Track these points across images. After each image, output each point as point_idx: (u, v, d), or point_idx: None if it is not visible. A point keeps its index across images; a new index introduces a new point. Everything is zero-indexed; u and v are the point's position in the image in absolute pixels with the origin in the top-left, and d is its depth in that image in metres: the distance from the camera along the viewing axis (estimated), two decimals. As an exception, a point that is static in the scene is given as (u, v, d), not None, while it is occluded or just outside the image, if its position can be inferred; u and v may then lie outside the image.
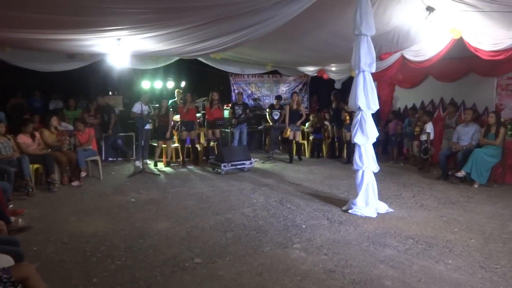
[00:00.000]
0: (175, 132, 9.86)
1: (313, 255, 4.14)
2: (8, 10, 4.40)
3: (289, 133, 9.81)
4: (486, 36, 6.18)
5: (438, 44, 7.09)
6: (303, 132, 10.73)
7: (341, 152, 10.39)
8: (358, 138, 5.57)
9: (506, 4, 5.01)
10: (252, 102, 13.24)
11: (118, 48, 6.88)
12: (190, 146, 9.65)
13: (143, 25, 5.56)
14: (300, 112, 9.98)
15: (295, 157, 10.00)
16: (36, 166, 6.93)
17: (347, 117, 9.47)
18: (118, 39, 6.36)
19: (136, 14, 4.85)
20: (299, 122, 9.87)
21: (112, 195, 6.68)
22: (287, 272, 3.76)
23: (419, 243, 4.45)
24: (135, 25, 5.56)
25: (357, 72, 5.51)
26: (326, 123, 10.79)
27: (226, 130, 10.41)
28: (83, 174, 7.38)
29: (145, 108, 9.17)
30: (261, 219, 5.33)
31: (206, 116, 9.81)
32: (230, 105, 11.37)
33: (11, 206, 5.73)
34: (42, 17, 4.70)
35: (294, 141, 9.97)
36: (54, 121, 7.57)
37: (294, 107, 9.84)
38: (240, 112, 10.48)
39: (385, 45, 7.86)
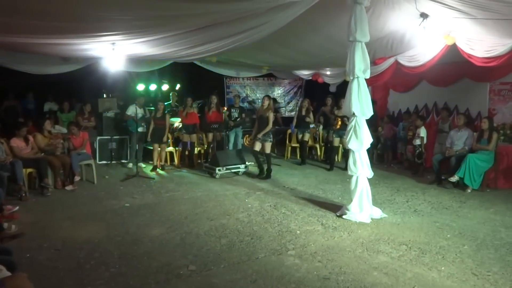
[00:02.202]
0: (170, 136, 9.85)
1: (308, 262, 4.16)
2: (3, 16, 4.38)
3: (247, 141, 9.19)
4: (479, 43, 6.24)
5: (432, 50, 7.14)
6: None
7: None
8: (352, 144, 5.60)
9: (498, 12, 5.06)
10: (247, 105, 13.25)
11: (112, 52, 6.87)
12: (188, 149, 9.66)
13: (138, 30, 5.56)
14: (266, 119, 8.20)
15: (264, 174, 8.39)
16: (29, 170, 6.87)
17: (339, 122, 9.11)
18: (113, 43, 6.35)
19: (131, 20, 4.85)
20: (260, 134, 8.22)
21: (106, 199, 6.65)
22: (281, 279, 3.76)
23: (412, 250, 4.48)
24: (129, 31, 5.56)
25: (351, 78, 5.54)
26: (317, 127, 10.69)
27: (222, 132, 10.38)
28: (77, 178, 7.34)
29: (140, 111, 9.17)
30: (256, 225, 5.34)
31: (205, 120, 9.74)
32: (225, 108, 11.36)
33: (16, 208, 5.74)
34: (38, 23, 4.69)
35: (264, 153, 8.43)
36: (48, 124, 7.53)
37: (260, 113, 8.42)
38: (236, 116, 10.44)
39: (380, 50, 7.91)
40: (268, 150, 8.32)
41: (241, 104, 11.66)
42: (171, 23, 5.24)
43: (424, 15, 6.08)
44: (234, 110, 10.46)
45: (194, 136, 9.59)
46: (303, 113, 9.88)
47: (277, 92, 13.87)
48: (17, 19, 4.49)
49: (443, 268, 4.01)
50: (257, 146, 8.35)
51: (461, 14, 5.50)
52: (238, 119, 10.32)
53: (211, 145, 9.71)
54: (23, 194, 6.43)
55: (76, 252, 4.37)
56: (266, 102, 8.41)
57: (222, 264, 4.11)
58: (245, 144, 9.68)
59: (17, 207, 5.77)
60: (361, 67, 5.45)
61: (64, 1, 4.01)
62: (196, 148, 9.94)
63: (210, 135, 9.67)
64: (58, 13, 4.32)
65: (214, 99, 9.66)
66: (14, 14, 4.27)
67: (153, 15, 4.67)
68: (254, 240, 4.77)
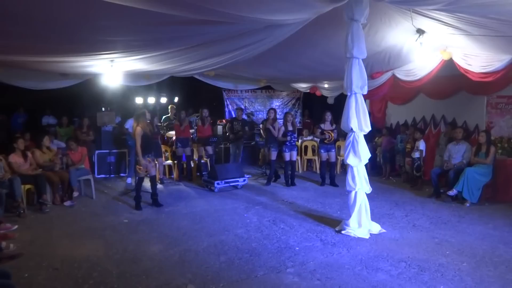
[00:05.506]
0: (168, 149, 9.87)
1: (307, 280, 4.14)
2: (8, 40, 4.43)
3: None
4: (476, 58, 6.30)
5: (428, 65, 7.20)
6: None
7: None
8: (350, 160, 5.61)
9: (493, 29, 5.11)
10: (246, 117, 13.27)
11: (111, 69, 6.92)
12: (185, 162, 9.66)
13: (136, 49, 5.61)
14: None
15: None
16: (27, 186, 6.87)
17: (332, 135, 8.78)
18: (111, 60, 6.40)
19: (129, 41, 4.90)
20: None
21: (104, 215, 6.63)
22: (280, 299, 3.75)
23: (411, 267, 4.46)
24: (128, 50, 5.61)
25: (349, 94, 5.57)
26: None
27: (220, 146, 10.38)
28: (75, 194, 7.33)
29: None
30: (255, 241, 5.33)
31: (198, 133, 9.77)
32: (224, 120, 11.36)
33: (15, 227, 5.71)
34: (40, 45, 4.73)
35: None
36: (46, 140, 7.53)
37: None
38: (239, 129, 10.39)
39: (377, 64, 7.97)
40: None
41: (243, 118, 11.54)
42: (169, 42, 5.29)
43: (420, 31, 6.16)
44: (237, 123, 10.40)
45: (188, 149, 9.59)
46: (290, 127, 8.93)
47: (275, 104, 13.93)
48: (19, 42, 4.53)
49: (442, 286, 3.99)
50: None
51: (457, 30, 5.56)
52: (240, 132, 10.27)
53: (207, 159, 9.73)
54: (22, 211, 6.41)
55: (74, 272, 4.36)
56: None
57: (221, 282, 4.09)
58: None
59: (16, 226, 5.75)
60: (359, 83, 5.47)
61: (65, 28, 4.06)
62: (193, 161, 9.95)
63: (210, 148, 9.67)
64: (59, 37, 4.37)
65: (207, 112, 9.68)
66: (16, 38, 4.32)
67: (151, 38, 4.73)
68: (253, 257, 4.76)
